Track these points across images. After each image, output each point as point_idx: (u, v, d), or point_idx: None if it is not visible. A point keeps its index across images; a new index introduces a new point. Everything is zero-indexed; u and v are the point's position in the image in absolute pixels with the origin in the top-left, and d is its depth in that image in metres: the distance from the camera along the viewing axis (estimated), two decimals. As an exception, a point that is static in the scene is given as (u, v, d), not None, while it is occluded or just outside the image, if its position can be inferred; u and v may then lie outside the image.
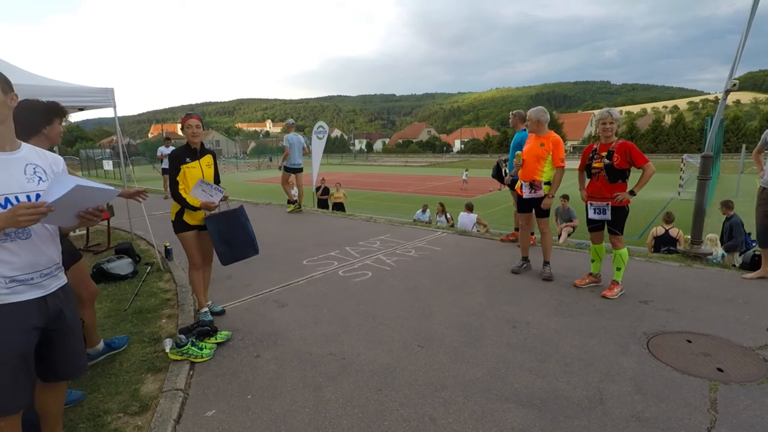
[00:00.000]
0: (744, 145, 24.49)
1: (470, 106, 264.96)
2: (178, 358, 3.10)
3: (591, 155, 4.34)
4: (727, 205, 7.88)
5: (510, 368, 3.03)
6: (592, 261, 4.61)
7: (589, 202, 4.38)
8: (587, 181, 4.43)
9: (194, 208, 3.46)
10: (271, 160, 58.67)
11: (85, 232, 6.82)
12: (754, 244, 7.73)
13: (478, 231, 9.12)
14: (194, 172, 3.48)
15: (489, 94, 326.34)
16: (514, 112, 5.96)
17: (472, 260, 5.67)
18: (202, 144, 3.59)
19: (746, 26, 4.83)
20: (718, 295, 4.24)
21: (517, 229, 6.39)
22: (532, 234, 5.62)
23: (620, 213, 4.22)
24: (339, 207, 13.72)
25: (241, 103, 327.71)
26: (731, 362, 3.06)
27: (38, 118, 2.43)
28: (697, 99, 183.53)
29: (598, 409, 2.58)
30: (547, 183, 4.75)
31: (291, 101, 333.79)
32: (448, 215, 11.52)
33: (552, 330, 3.60)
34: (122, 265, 5.03)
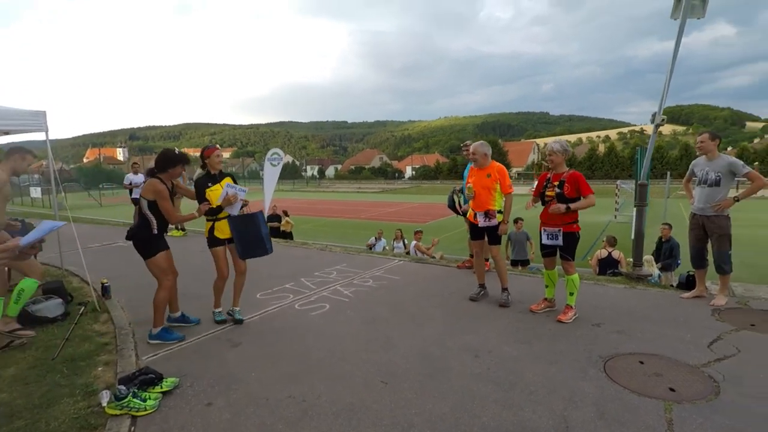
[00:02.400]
0: (668, 172, 26.67)
1: (420, 134, 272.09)
2: (117, 412, 2.79)
3: (545, 184, 4.51)
4: (668, 227, 8.57)
5: (476, 400, 2.98)
6: (546, 286, 4.72)
7: (542, 228, 4.52)
8: (541, 208, 4.58)
9: (217, 211, 4.20)
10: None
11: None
12: (679, 263, 8.39)
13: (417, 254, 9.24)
14: (217, 193, 4.18)
15: (438, 123, 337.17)
16: (468, 142, 6.12)
17: (430, 288, 5.66)
18: (220, 170, 4.30)
19: (670, 68, 5.29)
20: (662, 316, 4.46)
21: (472, 256, 6.48)
22: (487, 260, 5.72)
23: (571, 239, 4.38)
24: (287, 236, 13.36)
25: (187, 127, 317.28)
26: (681, 381, 3.19)
27: None
28: (625, 130, 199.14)
29: (564, 438, 2.57)
30: (500, 211, 4.87)
31: (240, 126, 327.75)
32: (406, 241, 11.54)
33: (513, 358, 3.61)
34: (50, 307, 4.54)
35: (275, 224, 13.26)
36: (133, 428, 2.73)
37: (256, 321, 4.59)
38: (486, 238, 4.99)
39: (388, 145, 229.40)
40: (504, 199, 4.85)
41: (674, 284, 6.03)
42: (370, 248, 11.71)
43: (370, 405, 2.95)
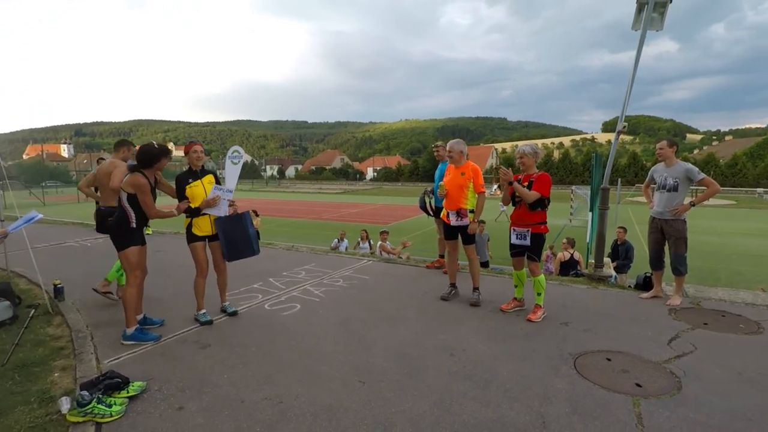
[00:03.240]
0: (619, 179, 28.16)
1: (381, 136, 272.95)
2: (80, 419, 2.60)
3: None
4: (624, 231, 9.07)
5: (455, 398, 3.00)
6: (515, 286, 4.84)
7: (512, 228, 4.63)
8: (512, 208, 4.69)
9: (196, 211, 4.12)
10: (173, 185, 54.77)
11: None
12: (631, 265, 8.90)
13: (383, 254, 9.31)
14: (197, 190, 4.12)
15: (399, 125, 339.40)
16: (439, 143, 6.18)
17: (402, 288, 5.67)
18: (202, 166, 4.25)
19: (631, 76, 5.57)
20: (624, 315, 4.67)
21: (441, 256, 6.55)
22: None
23: (538, 239, 4.51)
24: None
25: (138, 124, 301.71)
26: (646, 377, 3.34)
27: None
28: (578, 137, 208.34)
29: (543, 433, 2.63)
30: (471, 211, 4.95)
31: (197, 124, 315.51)
32: (372, 242, 11.51)
33: (488, 356, 3.67)
34: (-3, 309, 4.20)
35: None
36: (98, 436, 2.55)
37: (225, 322, 4.43)
38: (459, 238, 5.05)
39: (349, 147, 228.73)
40: (477, 198, 4.93)
41: (630, 285, 6.33)
42: (333, 249, 11.60)
43: (350, 405, 2.90)
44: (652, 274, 5.32)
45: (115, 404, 2.73)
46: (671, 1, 5.32)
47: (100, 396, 2.70)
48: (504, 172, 4.45)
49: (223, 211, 4.23)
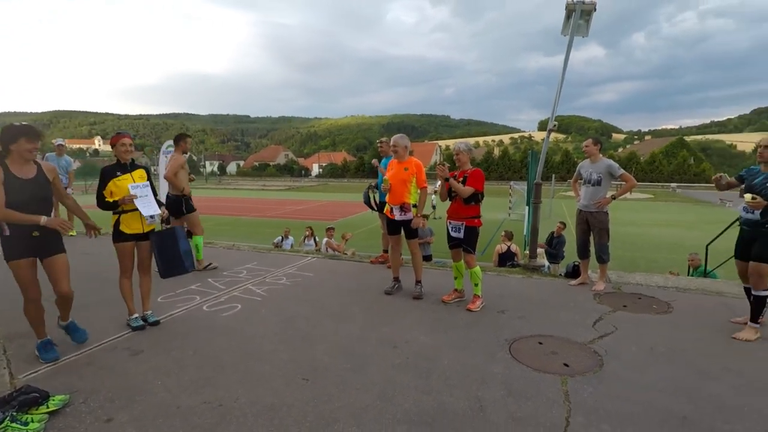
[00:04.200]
0: (553, 175, 29.88)
1: (327, 131, 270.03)
2: (-9, 438, 2.39)
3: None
4: (563, 225, 9.70)
5: (398, 389, 3.06)
6: (455, 278, 5.01)
7: (448, 221, 4.78)
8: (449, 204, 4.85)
9: (114, 206, 3.85)
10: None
11: None
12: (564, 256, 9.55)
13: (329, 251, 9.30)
14: (125, 183, 3.89)
15: (345, 121, 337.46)
16: (383, 139, 6.24)
17: (346, 284, 5.68)
18: (132, 160, 4.05)
19: (561, 78, 5.94)
20: (555, 301, 4.98)
21: (385, 251, 6.63)
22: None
23: (472, 233, 4.69)
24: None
25: (59, 115, 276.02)
26: (573, 357, 3.59)
27: None
28: (516, 135, 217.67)
29: (480, 417, 2.76)
30: (414, 205, 5.06)
31: (127, 116, 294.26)
32: (317, 239, 11.42)
33: (430, 346, 3.77)
34: None
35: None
36: (13, 456, 2.35)
37: (160, 326, 4.21)
38: (402, 233, 5.13)
39: (294, 142, 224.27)
40: (419, 193, 5.03)
41: (562, 273, 6.75)
42: (276, 247, 11.40)
43: (292, 403, 2.88)
44: (580, 263, 5.71)
45: (32, 421, 2.51)
46: (595, 10, 5.71)
47: (14, 414, 2.48)
48: (441, 169, 4.60)
49: (152, 209, 3.95)
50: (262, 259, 7.00)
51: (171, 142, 10.69)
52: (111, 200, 3.85)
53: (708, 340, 3.92)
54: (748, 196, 3.68)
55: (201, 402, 2.88)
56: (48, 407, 2.67)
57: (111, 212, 3.95)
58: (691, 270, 8.40)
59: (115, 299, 4.60)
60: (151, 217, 3.96)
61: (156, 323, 4.22)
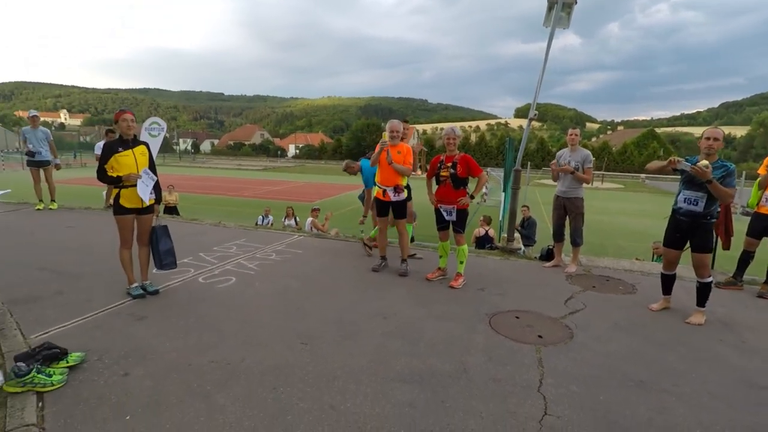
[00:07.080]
0: (529, 162, 30.55)
1: (303, 112, 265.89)
2: (18, 390, 2.56)
3: (439, 165, 5.03)
4: (527, 209, 10.18)
5: (389, 354, 3.37)
6: (440, 257, 5.33)
7: (438, 205, 5.06)
8: (435, 187, 5.12)
9: (117, 180, 4.03)
10: (75, 156, 49.14)
11: None
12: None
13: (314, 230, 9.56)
14: (127, 160, 4.05)
15: (321, 102, 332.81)
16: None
17: (334, 261, 5.93)
18: (135, 136, 4.18)
19: (542, 67, 6.24)
20: (530, 281, 5.38)
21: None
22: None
23: (463, 215, 5.01)
24: (172, 211, 12.49)
25: (22, 86, 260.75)
26: (546, 330, 3.97)
27: None
28: (493, 122, 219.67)
29: (464, 377, 3.09)
30: (406, 186, 5.32)
31: (95, 90, 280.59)
32: (298, 219, 11.57)
33: (416, 318, 4.09)
34: None
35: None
36: (40, 404, 2.55)
37: (159, 295, 4.39)
38: (391, 214, 5.39)
39: (270, 122, 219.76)
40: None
41: (537, 257, 7.18)
42: (258, 225, 11.51)
43: (294, 363, 3.15)
44: (554, 247, 6.12)
45: (55, 374, 2.71)
46: (576, 3, 6.00)
47: (39, 366, 2.67)
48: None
49: (145, 195, 4.15)
50: (250, 236, 7.16)
51: (156, 119, 10.52)
52: (114, 175, 4.02)
53: (665, 317, 4.36)
54: (703, 162, 3.85)
55: (209, 361, 3.12)
56: (68, 362, 2.86)
57: (112, 186, 4.16)
58: (654, 257, 9.00)
59: (109, 269, 4.77)
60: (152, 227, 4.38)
61: (155, 292, 4.39)
